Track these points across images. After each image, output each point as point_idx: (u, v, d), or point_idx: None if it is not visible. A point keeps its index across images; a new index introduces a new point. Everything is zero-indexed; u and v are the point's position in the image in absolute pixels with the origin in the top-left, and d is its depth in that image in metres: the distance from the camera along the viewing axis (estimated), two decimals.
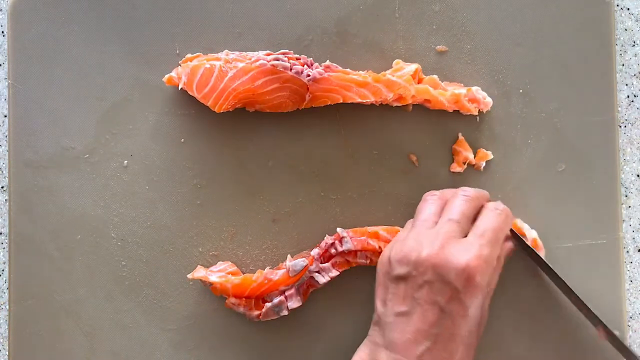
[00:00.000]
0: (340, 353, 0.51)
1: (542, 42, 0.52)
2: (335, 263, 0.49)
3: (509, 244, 0.48)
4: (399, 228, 0.50)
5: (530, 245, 0.49)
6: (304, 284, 0.49)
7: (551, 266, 0.48)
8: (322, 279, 0.49)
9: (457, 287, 0.41)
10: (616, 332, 0.46)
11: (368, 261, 0.50)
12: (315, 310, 0.51)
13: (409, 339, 0.41)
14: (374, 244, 0.49)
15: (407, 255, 0.43)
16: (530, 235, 0.50)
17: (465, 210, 0.45)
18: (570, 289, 0.48)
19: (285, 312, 0.49)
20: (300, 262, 0.48)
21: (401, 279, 0.43)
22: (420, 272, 0.42)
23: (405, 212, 0.52)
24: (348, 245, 0.48)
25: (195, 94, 0.49)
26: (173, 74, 0.50)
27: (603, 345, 0.48)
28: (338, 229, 0.50)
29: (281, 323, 0.51)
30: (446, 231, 0.43)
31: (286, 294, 0.49)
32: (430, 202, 0.47)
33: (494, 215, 0.45)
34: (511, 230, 0.48)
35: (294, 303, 0.49)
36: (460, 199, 0.46)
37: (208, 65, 0.47)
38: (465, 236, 0.44)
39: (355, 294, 0.51)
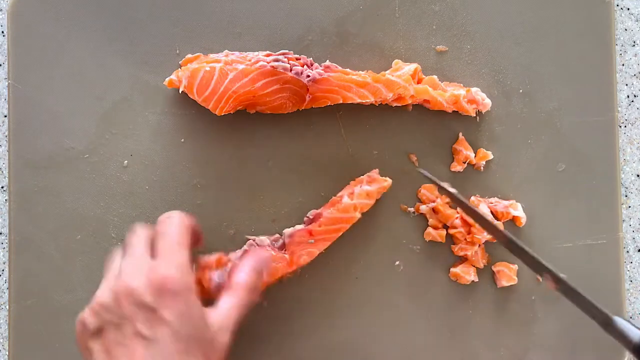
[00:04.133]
0: (340, 353, 0.51)
1: (542, 42, 0.52)
2: None
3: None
4: None
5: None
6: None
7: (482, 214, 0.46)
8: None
9: (152, 307, 0.38)
10: (563, 276, 0.43)
11: None
12: (316, 311, 0.51)
13: None
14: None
15: (93, 307, 0.40)
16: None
17: (134, 239, 0.43)
18: (510, 238, 0.45)
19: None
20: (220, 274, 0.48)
21: (97, 333, 0.40)
22: (113, 314, 0.39)
23: (405, 212, 0.52)
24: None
25: (196, 97, 0.49)
26: (173, 77, 0.49)
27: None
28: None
29: (282, 323, 0.51)
30: (123, 264, 0.41)
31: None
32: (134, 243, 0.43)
33: (163, 225, 0.43)
34: (438, 186, 0.47)
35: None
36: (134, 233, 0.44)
37: (208, 68, 0.47)
38: None
39: (356, 297, 0.52)
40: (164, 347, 0.38)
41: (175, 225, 0.43)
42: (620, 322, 0.42)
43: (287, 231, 0.50)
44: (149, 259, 0.42)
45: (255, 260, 0.46)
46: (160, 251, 0.42)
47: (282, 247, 0.50)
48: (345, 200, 0.49)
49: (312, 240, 0.49)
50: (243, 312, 0.44)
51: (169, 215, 0.45)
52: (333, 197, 0.51)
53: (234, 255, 0.50)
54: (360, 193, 0.49)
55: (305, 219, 0.50)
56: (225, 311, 0.42)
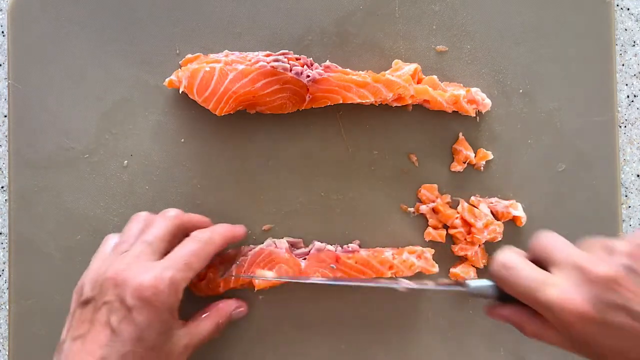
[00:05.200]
0: (340, 353, 0.51)
1: (542, 42, 0.52)
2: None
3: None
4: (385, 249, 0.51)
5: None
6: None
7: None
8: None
9: (130, 306, 0.40)
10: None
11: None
12: (313, 311, 0.51)
13: None
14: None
15: (94, 277, 0.42)
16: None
17: (161, 232, 0.45)
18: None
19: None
20: None
21: (87, 302, 0.42)
22: (102, 293, 0.41)
23: (405, 212, 0.52)
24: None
25: (196, 98, 0.49)
26: (173, 77, 0.49)
27: None
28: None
29: (283, 324, 0.51)
30: (137, 253, 0.43)
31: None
32: (132, 223, 0.46)
33: (189, 242, 0.45)
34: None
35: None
36: (158, 221, 0.46)
37: (208, 68, 0.47)
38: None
39: (359, 304, 0.52)
40: (123, 345, 0.40)
41: (203, 247, 0.45)
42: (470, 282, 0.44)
43: (318, 244, 0.50)
44: (157, 254, 0.43)
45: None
46: (173, 257, 0.43)
47: (303, 254, 0.50)
48: (387, 255, 0.49)
49: (334, 266, 0.49)
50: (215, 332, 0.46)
51: (214, 229, 0.47)
52: (377, 247, 0.51)
53: (245, 249, 0.50)
54: (405, 261, 0.49)
55: (345, 246, 0.50)
56: (196, 334, 0.45)
